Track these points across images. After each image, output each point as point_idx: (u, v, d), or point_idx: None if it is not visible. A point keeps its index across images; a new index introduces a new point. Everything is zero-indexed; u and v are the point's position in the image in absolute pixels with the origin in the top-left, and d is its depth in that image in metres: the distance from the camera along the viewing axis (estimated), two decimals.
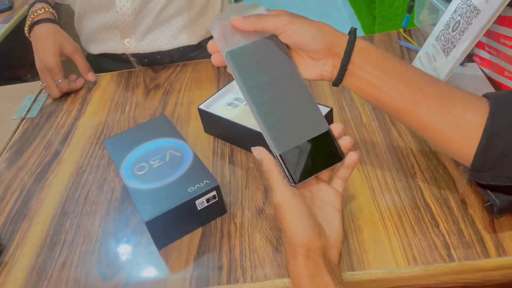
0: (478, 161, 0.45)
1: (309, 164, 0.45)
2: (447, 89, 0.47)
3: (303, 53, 0.49)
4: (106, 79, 0.90)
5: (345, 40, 0.48)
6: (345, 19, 2.81)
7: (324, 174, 0.47)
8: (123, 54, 0.93)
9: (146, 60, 0.94)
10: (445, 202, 0.52)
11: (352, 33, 0.48)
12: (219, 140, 0.68)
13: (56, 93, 0.84)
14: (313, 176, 0.46)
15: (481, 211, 0.51)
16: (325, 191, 0.47)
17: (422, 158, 0.59)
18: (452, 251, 0.47)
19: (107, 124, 0.77)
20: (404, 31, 0.87)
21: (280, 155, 0.45)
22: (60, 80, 0.84)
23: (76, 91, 0.87)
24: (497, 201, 0.46)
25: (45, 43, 0.82)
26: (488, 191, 0.47)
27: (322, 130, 0.46)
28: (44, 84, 0.85)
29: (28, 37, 0.86)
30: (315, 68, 0.50)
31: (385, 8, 2.05)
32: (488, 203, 0.48)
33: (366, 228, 0.51)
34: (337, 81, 0.49)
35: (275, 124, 0.46)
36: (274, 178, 0.44)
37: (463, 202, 0.52)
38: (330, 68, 0.49)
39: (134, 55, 0.94)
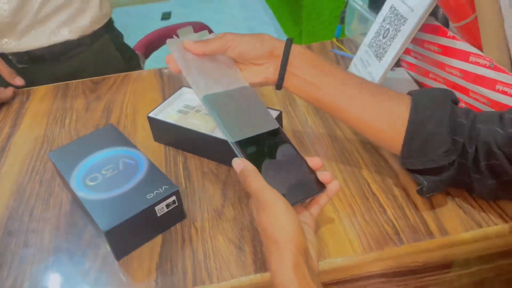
0: (406, 149, 0.51)
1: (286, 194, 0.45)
2: (375, 87, 0.54)
3: (248, 62, 0.56)
4: (40, 93, 0.85)
5: (283, 44, 0.54)
6: (273, 34, 2.91)
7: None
8: (2, 53, 0.90)
9: (26, 58, 0.92)
10: (390, 191, 0.57)
11: (289, 39, 0.55)
12: (171, 148, 0.68)
13: None
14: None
15: (422, 197, 0.56)
16: (301, 213, 0.47)
17: (366, 154, 0.63)
18: (401, 235, 0.51)
19: (47, 137, 0.73)
20: (337, 41, 0.93)
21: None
22: None
23: (6, 102, 0.82)
24: (424, 182, 0.52)
25: None
26: (416, 174, 0.53)
27: (273, 126, 0.51)
28: None
29: None
30: (260, 72, 0.56)
31: (312, 23, 2.16)
32: (419, 187, 0.54)
33: (323, 222, 0.54)
34: (279, 81, 0.55)
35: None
36: (258, 181, 0.43)
37: (405, 191, 0.57)
38: (272, 70, 0.55)
39: (13, 54, 0.91)
